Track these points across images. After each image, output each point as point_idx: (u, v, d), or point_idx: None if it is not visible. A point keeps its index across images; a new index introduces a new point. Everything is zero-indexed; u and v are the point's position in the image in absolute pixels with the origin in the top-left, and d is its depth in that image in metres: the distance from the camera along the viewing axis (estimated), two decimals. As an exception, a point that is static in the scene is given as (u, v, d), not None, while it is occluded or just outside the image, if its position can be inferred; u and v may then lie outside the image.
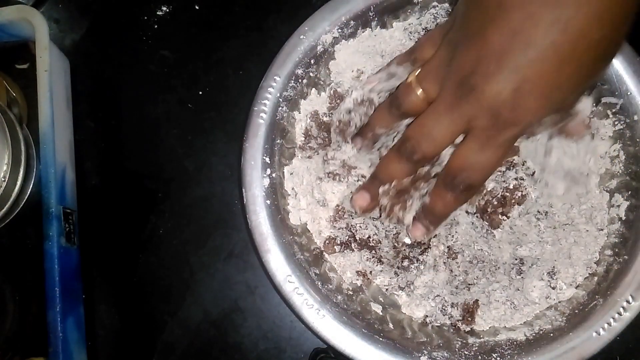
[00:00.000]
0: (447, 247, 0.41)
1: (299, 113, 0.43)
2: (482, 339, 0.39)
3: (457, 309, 0.40)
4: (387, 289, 0.42)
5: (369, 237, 0.41)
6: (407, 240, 0.42)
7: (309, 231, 0.42)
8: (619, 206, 0.40)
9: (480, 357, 0.37)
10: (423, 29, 0.43)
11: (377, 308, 0.40)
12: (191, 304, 0.48)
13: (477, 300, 0.40)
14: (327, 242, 0.42)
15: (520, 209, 0.41)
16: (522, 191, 0.39)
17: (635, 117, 0.40)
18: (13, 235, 0.48)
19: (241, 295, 0.48)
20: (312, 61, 0.42)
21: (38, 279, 0.43)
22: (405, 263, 0.41)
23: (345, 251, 0.42)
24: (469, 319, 0.40)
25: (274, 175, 0.40)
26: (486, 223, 0.40)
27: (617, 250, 0.39)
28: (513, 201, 0.40)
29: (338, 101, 0.43)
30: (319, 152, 0.43)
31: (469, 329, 0.40)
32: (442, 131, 0.32)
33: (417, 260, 0.41)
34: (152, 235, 0.49)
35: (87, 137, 0.51)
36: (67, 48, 0.53)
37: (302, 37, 0.41)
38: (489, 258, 0.41)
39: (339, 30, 0.42)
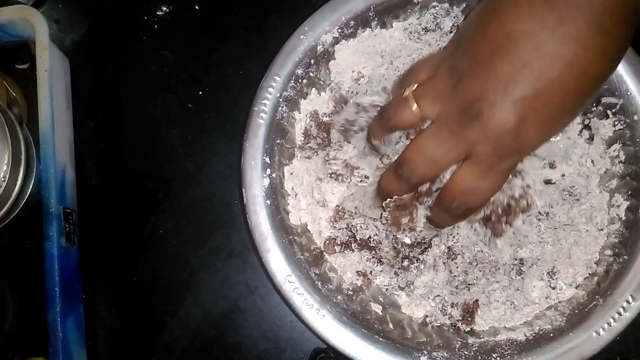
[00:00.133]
0: (447, 247, 0.41)
1: (299, 113, 0.43)
2: (482, 339, 0.39)
3: (457, 309, 0.40)
4: (387, 289, 0.42)
5: (370, 237, 0.41)
6: (407, 241, 0.42)
7: (309, 231, 0.42)
8: (619, 206, 0.40)
9: (480, 357, 0.37)
10: (423, 28, 0.43)
11: (377, 308, 0.40)
12: (191, 304, 0.48)
13: (477, 300, 0.40)
14: (327, 242, 0.42)
15: (524, 216, 0.40)
16: (527, 199, 0.38)
17: (635, 117, 0.40)
18: (13, 235, 0.48)
19: (241, 295, 0.48)
20: (312, 61, 0.42)
21: (38, 279, 0.43)
22: (405, 263, 0.41)
23: (345, 251, 0.42)
24: (469, 319, 0.40)
25: (274, 175, 0.40)
26: (489, 230, 0.40)
27: (617, 250, 0.39)
28: (518, 210, 0.39)
29: (343, 105, 0.44)
30: (318, 153, 0.43)
31: (469, 329, 0.40)
32: (443, 156, 0.32)
33: (417, 260, 0.41)
34: (152, 235, 0.49)
35: (87, 137, 0.51)
36: (67, 48, 0.53)
37: (302, 37, 0.41)
38: (489, 259, 0.41)
39: (339, 30, 0.42)
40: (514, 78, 0.28)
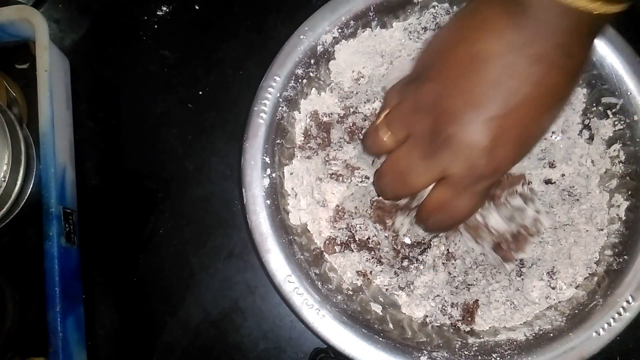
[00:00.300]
0: (447, 248, 0.41)
1: (299, 113, 0.43)
2: (482, 339, 0.39)
3: (457, 309, 0.40)
4: (387, 289, 0.42)
5: (369, 238, 0.41)
6: (407, 241, 0.42)
7: (309, 231, 0.42)
8: (619, 206, 0.40)
9: (480, 357, 0.37)
10: (423, 28, 0.43)
11: (377, 308, 0.40)
12: (191, 304, 0.48)
13: (477, 300, 0.40)
14: (327, 242, 0.42)
15: (535, 240, 0.40)
16: (537, 225, 0.38)
17: (635, 117, 0.40)
18: (13, 235, 0.48)
19: (241, 295, 0.48)
20: (312, 61, 0.42)
21: (38, 279, 0.43)
22: (405, 263, 0.41)
23: (345, 251, 0.42)
24: (469, 319, 0.40)
25: (274, 175, 0.40)
26: (499, 257, 0.40)
27: (617, 250, 0.39)
28: (528, 236, 0.39)
29: (347, 101, 0.44)
30: (318, 153, 0.43)
31: (469, 329, 0.40)
32: (415, 178, 0.32)
33: (417, 260, 0.41)
34: (152, 235, 0.49)
35: (87, 137, 0.51)
36: (67, 48, 0.53)
37: (302, 37, 0.41)
38: (490, 262, 0.41)
39: (339, 30, 0.42)
40: (483, 99, 0.28)
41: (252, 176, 0.39)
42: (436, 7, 0.43)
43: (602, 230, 0.41)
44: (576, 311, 0.39)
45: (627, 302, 0.37)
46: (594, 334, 0.37)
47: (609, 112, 0.41)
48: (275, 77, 0.41)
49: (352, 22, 0.42)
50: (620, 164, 0.41)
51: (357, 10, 0.42)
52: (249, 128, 0.40)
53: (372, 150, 0.35)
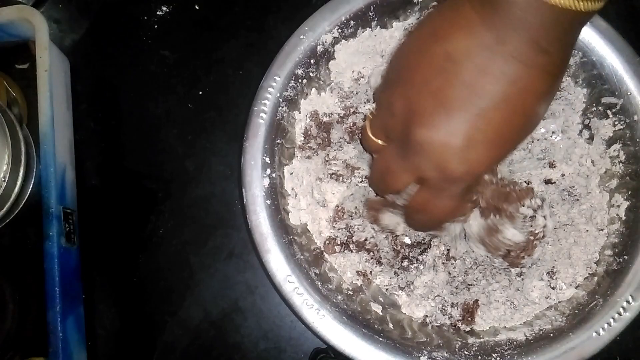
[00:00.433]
0: (447, 249, 0.41)
1: (299, 113, 0.43)
2: (482, 339, 0.39)
3: (457, 309, 0.40)
4: (387, 289, 0.42)
5: (366, 239, 0.41)
6: (407, 241, 0.42)
7: (309, 231, 0.42)
8: (619, 206, 0.40)
9: (480, 357, 0.37)
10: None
11: (377, 308, 0.40)
12: (191, 304, 0.48)
13: (477, 300, 0.40)
14: (327, 242, 0.42)
15: (541, 245, 0.40)
16: (544, 230, 0.38)
17: (635, 117, 0.40)
18: (13, 235, 0.48)
19: (241, 295, 0.48)
20: (312, 61, 0.42)
21: (38, 279, 0.43)
22: (405, 263, 0.41)
23: (345, 251, 0.42)
24: (469, 319, 0.40)
25: (274, 175, 0.40)
26: (506, 263, 0.40)
27: (617, 250, 0.39)
28: (536, 242, 0.39)
29: (347, 101, 0.44)
30: (318, 153, 0.43)
31: (469, 329, 0.40)
32: (393, 180, 0.32)
33: (417, 260, 0.41)
34: (152, 235, 0.49)
35: (87, 137, 0.51)
36: (67, 48, 0.53)
37: (302, 37, 0.41)
38: (489, 262, 0.41)
39: (339, 30, 0.42)
40: (454, 100, 0.28)
41: (252, 176, 0.39)
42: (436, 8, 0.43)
43: (602, 230, 0.41)
44: (576, 311, 0.39)
45: (627, 302, 0.37)
46: (594, 334, 0.37)
47: (609, 112, 0.41)
48: (275, 77, 0.41)
49: (352, 22, 0.42)
50: (620, 164, 0.41)
51: (357, 10, 0.42)
52: (249, 128, 0.40)
53: (367, 150, 0.36)
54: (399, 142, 0.31)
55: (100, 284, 0.49)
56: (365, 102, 0.43)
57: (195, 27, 0.52)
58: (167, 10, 0.53)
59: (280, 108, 0.41)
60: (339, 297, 0.39)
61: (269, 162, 0.40)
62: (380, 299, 0.41)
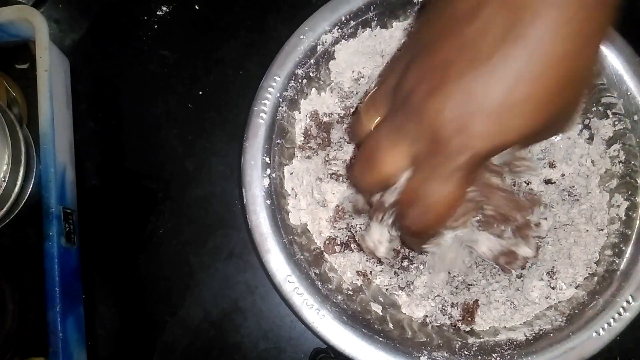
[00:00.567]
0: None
1: (299, 113, 0.43)
2: (482, 339, 0.39)
3: (457, 309, 0.40)
4: (387, 289, 0.42)
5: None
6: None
7: (309, 231, 0.42)
8: (619, 206, 0.40)
9: (480, 357, 0.37)
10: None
11: (377, 308, 0.40)
12: (191, 304, 0.48)
13: (477, 300, 0.40)
14: (327, 242, 0.42)
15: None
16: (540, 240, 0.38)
17: (635, 117, 0.40)
18: (13, 235, 0.48)
19: (241, 295, 0.48)
20: (312, 61, 0.42)
21: (38, 279, 0.43)
22: (405, 263, 0.41)
23: (345, 251, 0.42)
24: (469, 319, 0.40)
25: (274, 175, 0.40)
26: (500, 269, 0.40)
27: (617, 250, 0.39)
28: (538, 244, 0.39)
29: (347, 101, 0.44)
30: (318, 153, 0.43)
31: (469, 329, 0.40)
32: (382, 156, 0.28)
33: (417, 260, 0.41)
34: (152, 235, 0.49)
35: (87, 137, 0.51)
36: (67, 48, 0.53)
37: (302, 37, 0.41)
38: (489, 262, 0.41)
39: (339, 30, 0.42)
40: (453, 61, 0.24)
41: (252, 176, 0.39)
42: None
43: (602, 230, 0.41)
44: (576, 311, 0.39)
45: (627, 302, 0.37)
46: (594, 334, 0.37)
47: (609, 112, 0.41)
48: (275, 77, 0.41)
49: (352, 22, 0.42)
50: (620, 164, 0.41)
51: (357, 10, 0.42)
52: (249, 128, 0.40)
53: (356, 138, 0.32)
54: (392, 112, 0.27)
55: (100, 284, 0.49)
56: (365, 102, 0.43)
57: (195, 27, 0.52)
58: (167, 10, 0.53)
59: (280, 108, 0.41)
60: (339, 297, 0.39)
61: (269, 162, 0.40)
62: (380, 299, 0.41)
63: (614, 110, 0.41)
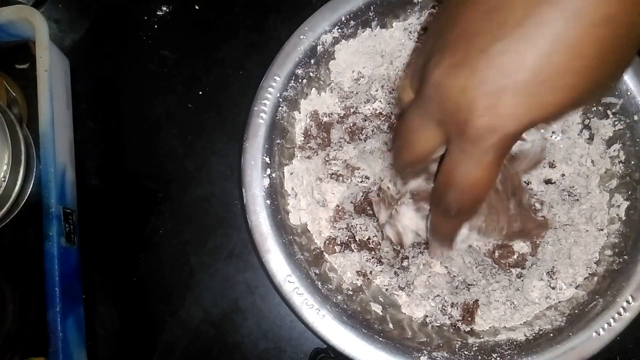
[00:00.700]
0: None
1: (299, 113, 0.43)
2: (482, 339, 0.39)
3: (457, 309, 0.40)
4: (387, 289, 0.42)
5: (369, 238, 0.41)
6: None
7: (309, 231, 0.42)
8: (619, 206, 0.40)
9: (480, 357, 0.37)
10: (423, 28, 0.43)
11: (377, 308, 0.40)
12: (191, 304, 0.48)
13: (477, 300, 0.40)
14: (327, 242, 0.42)
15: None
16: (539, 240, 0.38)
17: (635, 117, 0.40)
18: (13, 235, 0.48)
19: (241, 295, 0.48)
20: (312, 61, 0.42)
21: (38, 279, 0.43)
22: (405, 263, 0.41)
23: (345, 251, 0.42)
24: (469, 319, 0.40)
25: (274, 175, 0.40)
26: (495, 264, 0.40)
27: (617, 250, 0.39)
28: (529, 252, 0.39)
29: (347, 101, 0.44)
30: (318, 153, 0.43)
31: (469, 329, 0.40)
32: (415, 137, 0.26)
33: (417, 260, 0.41)
34: (152, 235, 0.49)
35: (87, 137, 0.51)
36: (67, 48, 0.53)
37: (302, 37, 0.41)
38: (489, 262, 0.41)
39: (339, 30, 0.42)
40: (477, 31, 0.22)
41: (252, 176, 0.39)
42: (436, 7, 0.43)
43: (602, 230, 0.41)
44: (576, 311, 0.39)
45: (627, 302, 0.37)
46: (594, 334, 0.37)
47: (609, 112, 0.41)
48: (275, 77, 0.41)
49: (352, 22, 0.42)
50: (620, 164, 0.41)
51: (357, 10, 0.42)
52: (249, 128, 0.40)
53: (398, 109, 0.30)
54: (420, 91, 0.25)
55: (100, 284, 0.49)
56: (365, 102, 0.43)
57: (195, 27, 0.52)
58: (167, 10, 0.53)
59: (280, 108, 0.41)
60: (339, 297, 0.39)
61: (269, 162, 0.40)
62: (380, 299, 0.41)
63: (614, 110, 0.41)
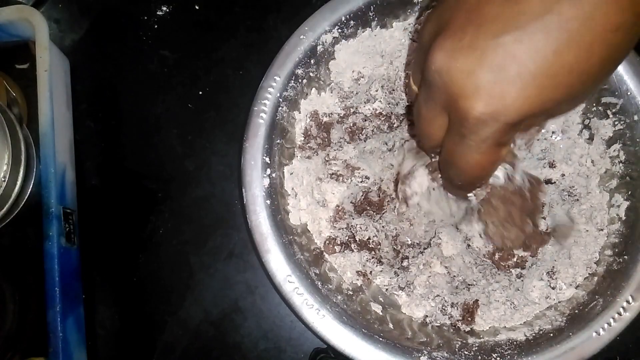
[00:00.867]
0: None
1: (299, 113, 0.43)
2: (482, 339, 0.39)
3: (457, 309, 0.40)
4: (387, 289, 0.42)
5: (369, 238, 0.41)
6: (407, 241, 0.42)
7: (309, 231, 0.42)
8: (619, 206, 0.40)
9: (480, 357, 0.37)
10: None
11: (377, 308, 0.40)
12: (191, 304, 0.48)
13: (477, 300, 0.40)
14: (327, 242, 0.42)
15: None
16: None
17: (635, 117, 0.40)
18: (13, 235, 0.48)
19: (241, 295, 0.48)
20: (312, 61, 0.42)
21: (38, 279, 0.43)
22: (405, 263, 0.41)
23: (345, 251, 0.42)
24: (469, 319, 0.40)
25: (274, 175, 0.40)
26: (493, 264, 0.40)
27: (617, 250, 0.39)
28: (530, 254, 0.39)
29: (347, 101, 0.44)
30: (318, 153, 0.43)
31: (469, 329, 0.40)
32: (424, 124, 0.27)
33: (417, 260, 0.41)
34: (152, 235, 0.49)
35: (87, 137, 0.51)
36: (67, 48, 0.53)
37: (302, 37, 0.41)
38: (489, 262, 0.41)
39: (339, 30, 0.42)
40: (492, 14, 0.21)
41: (252, 176, 0.39)
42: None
43: (602, 230, 0.41)
44: (576, 311, 0.39)
45: (627, 302, 0.37)
46: (594, 334, 0.37)
47: (609, 112, 0.41)
48: (275, 77, 0.41)
49: (352, 22, 0.42)
50: (620, 164, 0.41)
51: (357, 10, 0.42)
52: (249, 128, 0.40)
53: (410, 97, 0.30)
54: (424, 76, 0.25)
55: (100, 284, 0.49)
56: (365, 102, 0.43)
57: (195, 27, 0.52)
58: (167, 10, 0.53)
59: (280, 108, 0.41)
60: (339, 297, 0.39)
61: (269, 162, 0.40)
62: (380, 299, 0.41)
63: (614, 110, 0.41)
